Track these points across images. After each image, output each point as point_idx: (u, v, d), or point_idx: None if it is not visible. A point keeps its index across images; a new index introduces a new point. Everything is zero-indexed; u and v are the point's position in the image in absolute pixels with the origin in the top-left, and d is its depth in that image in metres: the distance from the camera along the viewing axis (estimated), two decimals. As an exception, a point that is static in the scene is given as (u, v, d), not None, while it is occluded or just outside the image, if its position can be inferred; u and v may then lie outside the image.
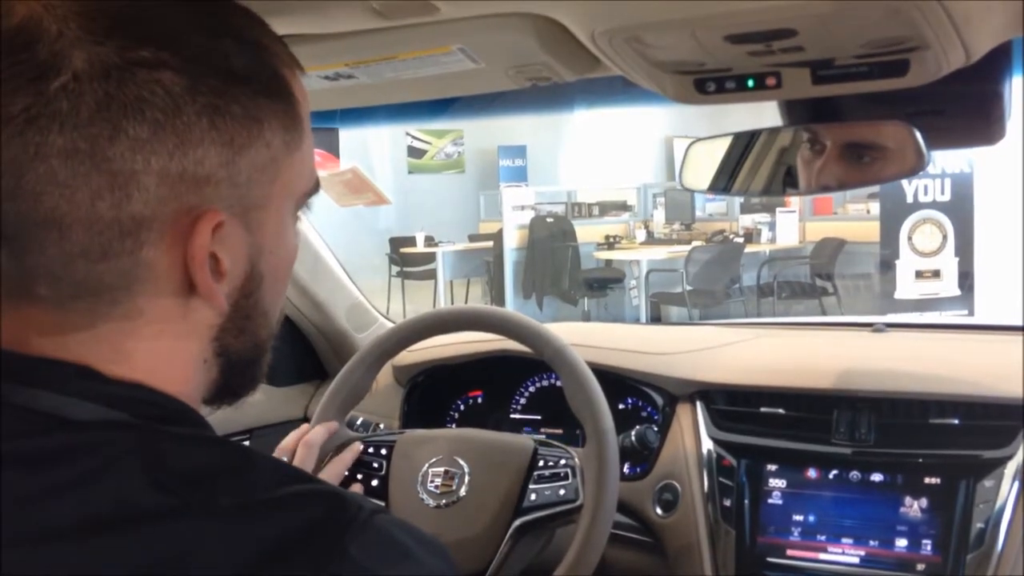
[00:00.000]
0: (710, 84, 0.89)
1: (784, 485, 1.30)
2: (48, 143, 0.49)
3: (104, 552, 0.47)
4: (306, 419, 1.67)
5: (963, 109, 0.98)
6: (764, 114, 1.08)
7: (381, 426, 1.45)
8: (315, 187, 0.63)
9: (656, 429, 1.39)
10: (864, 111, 1.01)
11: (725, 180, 1.16)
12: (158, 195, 0.51)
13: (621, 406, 1.49)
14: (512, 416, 1.60)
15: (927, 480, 1.22)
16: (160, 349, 0.55)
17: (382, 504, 1.21)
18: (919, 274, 6.37)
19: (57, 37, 0.49)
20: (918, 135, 0.97)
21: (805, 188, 1.13)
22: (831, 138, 1.05)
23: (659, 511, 1.35)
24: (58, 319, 0.53)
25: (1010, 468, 1.18)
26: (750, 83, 0.88)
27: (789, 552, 1.27)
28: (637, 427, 1.38)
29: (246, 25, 0.56)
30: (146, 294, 0.53)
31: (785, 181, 1.13)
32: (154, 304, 0.54)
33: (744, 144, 1.13)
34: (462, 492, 1.20)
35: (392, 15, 0.81)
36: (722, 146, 1.15)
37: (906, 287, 6.37)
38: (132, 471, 0.50)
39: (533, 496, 1.18)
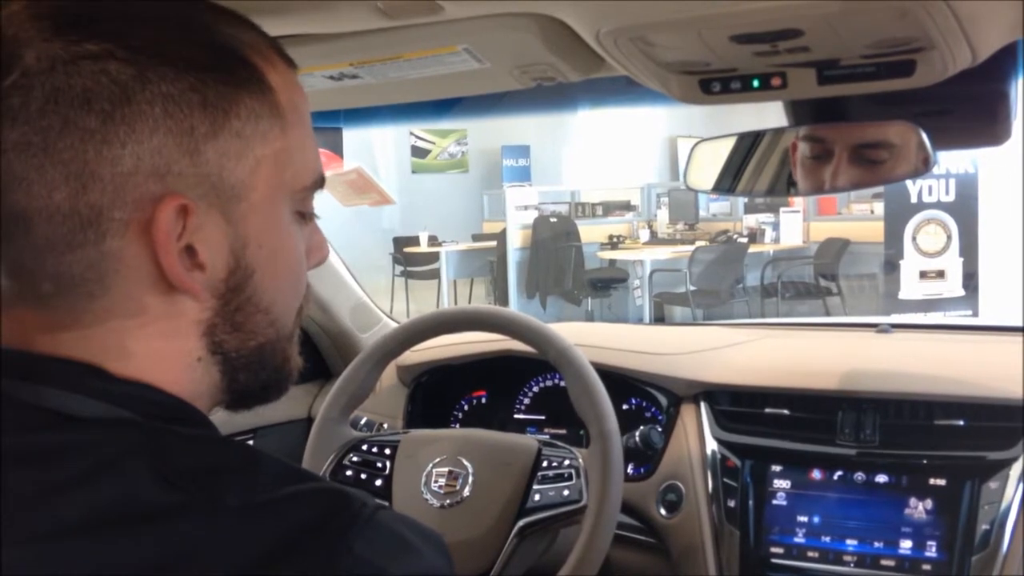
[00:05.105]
0: (715, 84, 0.89)
1: (788, 486, 1.29)
2: (3, 138, 0.50)
3: (110, 549, 0.48)
4: (310, 419, 1.68)
5: (969, 110, 0.98)
6: (767, 114, 1.07)
7: (385, 426, 1.45)
8: (316, 183, 0.61)
9: (660, 430, 1.39)
10: (870, 111, 1.00)
11: (729, 180, 1.16)
12: (115, 184, 0.51)
13: (625, 406, 1.49)
14: (516, 416, 1.60)
15: (932, 481, 1.22)
16: (156, 348, 0.55)
17: (385, 501, 1.21)
18: (923, 274, 6.35)
19: (11, 40, 0.51)
20: (924, 136, 0.97)
21: (807, 191, 1.12)
22: (838, 141, 1.05)
23: (663, 512, 1.35)
24: (55, 318, 0.53)
25: (1015, 469, 1.18)
26: (755, 83, 0.87)
27: (793, 553, 1.27)
28: (641, 428, 1.37)
29: (212, 19, 0.56)
30: (121, 288, 0.53)
31: (789, 181, 1.12)
32: (135, 299, 0.54)
33: (749, 144, 1.13)
34: (466, 492, 1.20)
35: (397, 15, 0.81)
36: (727, 146, 1.14)
37: (910, 287, 6.35)
38: (138, 468, 0.50)
39: (537, 496, 1.18)
